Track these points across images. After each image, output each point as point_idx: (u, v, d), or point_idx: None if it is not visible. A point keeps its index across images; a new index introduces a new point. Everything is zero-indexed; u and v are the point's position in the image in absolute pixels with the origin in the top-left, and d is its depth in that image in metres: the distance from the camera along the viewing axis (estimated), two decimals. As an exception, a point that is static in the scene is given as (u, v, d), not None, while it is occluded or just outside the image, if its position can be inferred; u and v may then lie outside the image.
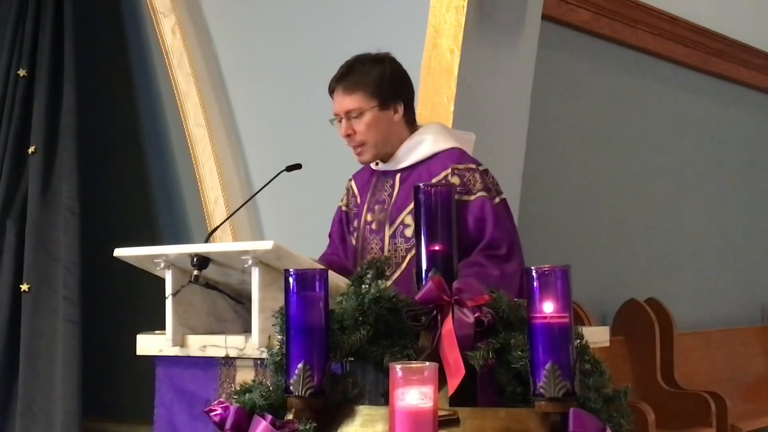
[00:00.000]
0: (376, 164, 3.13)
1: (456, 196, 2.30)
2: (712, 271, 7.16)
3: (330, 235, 3.28)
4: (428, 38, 3.98)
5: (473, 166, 3.00)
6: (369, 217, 3.10)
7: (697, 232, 7.03)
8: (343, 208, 3.25)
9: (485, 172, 3.00)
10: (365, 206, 3.13)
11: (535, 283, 1.95)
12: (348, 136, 3.04)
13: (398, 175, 3.08)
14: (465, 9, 3.90)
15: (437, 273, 2.08)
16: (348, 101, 3.02)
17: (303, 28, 4.52)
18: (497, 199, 2.98)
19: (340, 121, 3.07)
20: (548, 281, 1.95)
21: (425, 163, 3.04)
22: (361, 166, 3.21)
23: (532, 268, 1.96)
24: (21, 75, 5.03)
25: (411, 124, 3.11)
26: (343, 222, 3.23)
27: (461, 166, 2.98)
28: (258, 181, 4.43)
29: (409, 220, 2.97)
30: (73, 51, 5.04)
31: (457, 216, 2.19)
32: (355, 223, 3.16)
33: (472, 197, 2.95)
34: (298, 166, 3.24)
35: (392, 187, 3.08)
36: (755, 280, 7.64)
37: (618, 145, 6.36)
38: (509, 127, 4.17)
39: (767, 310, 7.80)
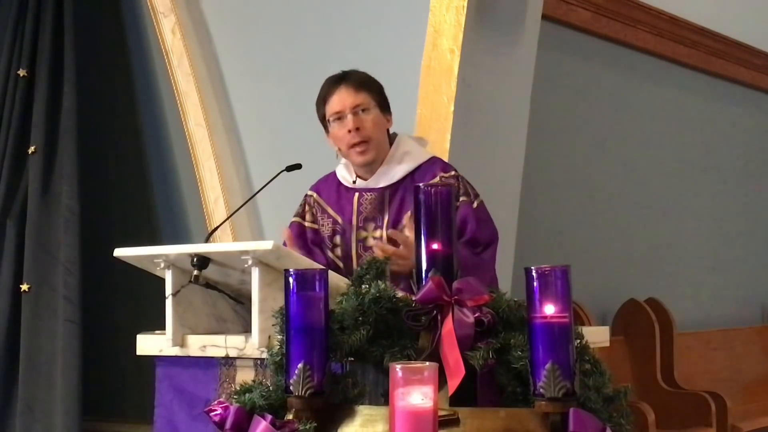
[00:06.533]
0: (353, 182, 3.16)
1: None
2: (712, 271, 7.15)
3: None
4: (428, 38, 3.98)
5: (454, 173, 3.13)
6: (362, 234, 3.13)
7: (697, 232, 7.03)
8: (306, 224, 3.24)
9: (462, 178, 3.13)
10: (352, 225, 3.13)
11: (535, 283, 1.95)
12: (357, 129, 3.07)
13: (386, 192, 3.12)
14: (465, 9, 3.91)
15: (437, 273, 2.08)
16: (357, 97, 3.08)
17: (303, 28, 4.52)
18: (476, 203, 3.09)
19: (338, 119, 3.09)
20: (548, 281, 1.95)
21: (409, 176, 3.11)
22: (318, 178, 3.25)
23: (532, 268, 1.96)
24: (21, 75, 5.02)
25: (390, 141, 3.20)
26: (305, 237, 3.21)
27: (447, 175, 3.11)
28: (258, 181, 4.43)
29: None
30: (73, 51, 5.03)
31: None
32: (337, 240, 3.16)
33: (457, 203, 3.04)
34: (298, 166, 3.24)
35: (381, 203, 3.12)
36: (755, 280, 7.64)
37: (618, 144, 6.36)
38: (509, 127, 4.17)
39: (767, 310, 7.79)
